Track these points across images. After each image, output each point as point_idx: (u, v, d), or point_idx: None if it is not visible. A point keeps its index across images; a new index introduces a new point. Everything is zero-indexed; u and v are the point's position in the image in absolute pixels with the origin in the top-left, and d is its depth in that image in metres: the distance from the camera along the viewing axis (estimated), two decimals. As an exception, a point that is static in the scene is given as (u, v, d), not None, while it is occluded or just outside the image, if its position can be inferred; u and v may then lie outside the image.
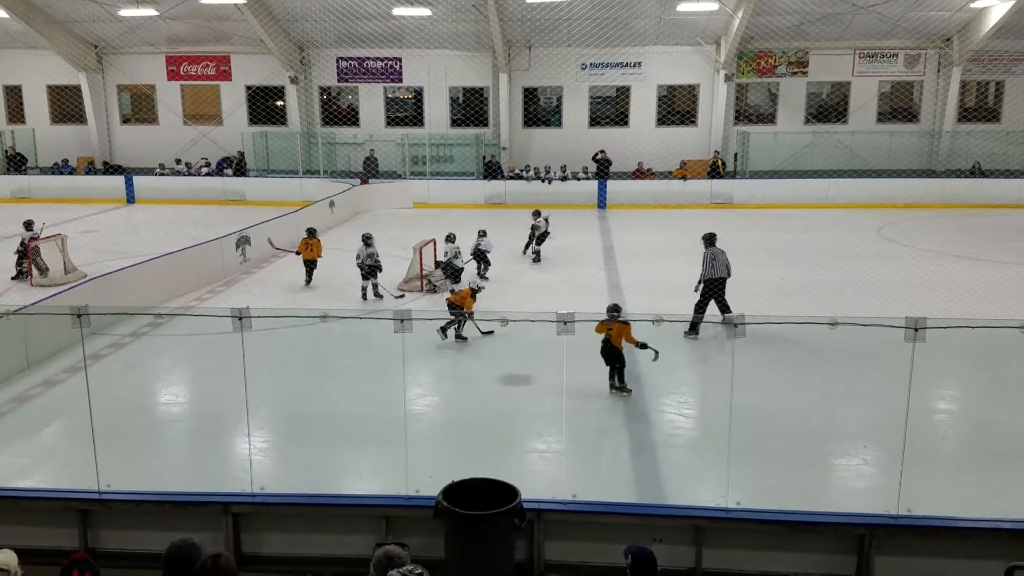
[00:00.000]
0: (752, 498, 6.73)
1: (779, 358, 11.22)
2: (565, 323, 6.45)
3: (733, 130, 28.38)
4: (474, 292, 12.51)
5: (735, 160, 28.01)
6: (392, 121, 29.66)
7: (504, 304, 14.37)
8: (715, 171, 26.92)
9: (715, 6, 24.30)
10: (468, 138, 28.93)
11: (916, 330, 6.02)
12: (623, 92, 28.84)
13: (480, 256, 16.56)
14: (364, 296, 15.04)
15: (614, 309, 10.46)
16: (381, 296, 14.99)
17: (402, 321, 6.25)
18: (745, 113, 29.08)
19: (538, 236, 18.38)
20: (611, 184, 26.19)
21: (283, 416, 9.81)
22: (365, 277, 15.08)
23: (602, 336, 9.99)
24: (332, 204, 23.23)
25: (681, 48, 27.59)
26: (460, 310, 12.08)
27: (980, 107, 28.49)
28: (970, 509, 6.65)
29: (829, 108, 28.69)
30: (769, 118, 28.83)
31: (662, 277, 16.40)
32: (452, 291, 13.80)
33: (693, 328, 12.43)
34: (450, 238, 15.64)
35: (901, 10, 24.51)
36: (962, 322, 8.61)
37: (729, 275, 12.87)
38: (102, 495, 6.67)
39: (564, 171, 27.15)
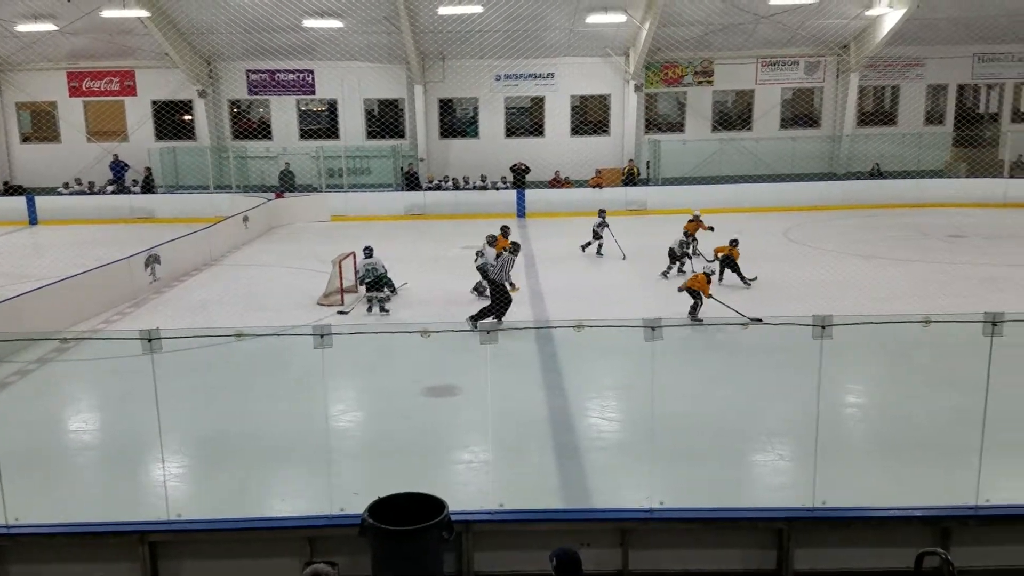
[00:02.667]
0: (676, 498, 6.85)
1: (696, 359, 11.49)
2: (488, 332, 6.48)
3: (644, 139, 28.97)
4: (708, 276, 13.88)
5: (647, 168, 28.61)
6: (306, 134, 29.24)
7: (426, 315, 14.30)
8: (630, 179, 27.44)
9: (623, 18, 24.82)
10: (385, 150, 28.73)
11: (823, 328, 6.26)
12: (537, 103, 29.15)
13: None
14: (369, 309, 14.85)
15: (735, 241, 15.63)
16: (387, 311, 14.79)
17: (322, 336, 6.16)
18: (655, 122, 29.74)
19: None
20: (529, 193, 26.39)
21: (199, 439, 9.53)
22: (369, 289, 14.93)
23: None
24: (246, 219, 22.73)
25: (592, 59, 28.05)
26: (698, 293, 13.46)
27: (877, 111, 29.86)
28: (882, 499, 6.92)
29: (734, 116, 29.61)
30: (678, 126, 29.56)
31: (582, 283, 16.64)
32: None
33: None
34: (367, 251, 15.44)
35: (800, 19, 25.50)
36: (867, 319, 9.01)
37: (485, 275, 14.36)
38: (10, 529, 6.36)
39: (484, 181, 27.28)
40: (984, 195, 25.70)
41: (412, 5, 24.36)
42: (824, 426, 6.70)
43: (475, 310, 13.74)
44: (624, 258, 18.80)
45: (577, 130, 29.18)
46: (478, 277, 15.45)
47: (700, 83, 28.84)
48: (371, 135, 29.16)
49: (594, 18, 24.59)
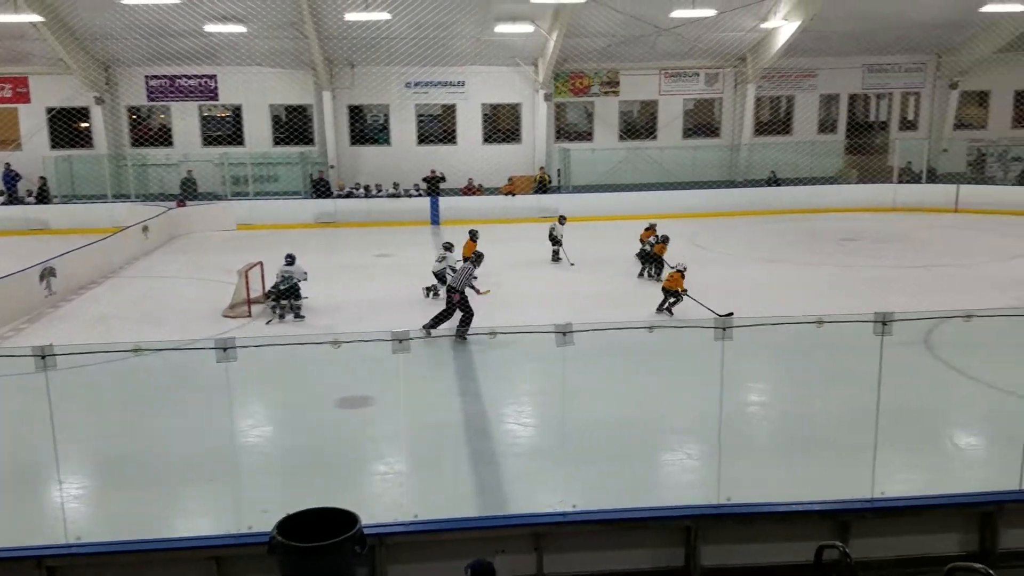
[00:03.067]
0: (589, 500, 6.94)
1: (606, 363, 11.61)
2: (400, 341, 6.43)
3: (555, 147, 29.34)
4: (683, 273, 14.77)
5: (558, 175, 28.99)
6: (209, 140, 28.44)
7: (337, 324, 14.11)
8: (542, 186, 27.74)
9: (531, 28, 25.07)
10: (293, 156, 28.21)
11: (724, 329, 6.48)
12: (449, 110, 29.17)
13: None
14: (281, 317, 14.84)
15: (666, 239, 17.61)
16: (302, 317, 14.81)
17: (225, 350, 6.01)
18: (565, 130, 30.16)
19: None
20: (443, 201, 26.38)
21: (99, 459, 9.16)
22: (281, 297, 14.90)
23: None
24: (146, 229, 21.96)
25: (501, 68, 28.26)
26: (676, 292, 14.44)
27: (773, 121, 31.00)
28: (784, 494, 7.17)
29: (640, 125, 30.29)
30: (587, 135, 30.04)
31: (497, 290, 16.68)
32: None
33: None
34: (289, 259, 15.22)
35: (699, 31, 26.23)
36: (764, 320, 9.29)
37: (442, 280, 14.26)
38: None
39: (396, 188, 27.13)
40: (875, 200, 27.02)
41: (318, 11, 24.05)
42: (728, 424, 6.92)
43: (378, 316, 13.64)
44: (572, 264, 18.92)
45: (489, 138, 29.33)
46: (393, 281, 15.43)
47: (607, 93, 29.39)
48: (278, 141, 28.60)
49: (502, 28, 24.76)
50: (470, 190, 27.78)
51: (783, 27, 25.89)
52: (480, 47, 26.79)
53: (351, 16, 22.86)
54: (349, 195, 26.93)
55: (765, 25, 26.03)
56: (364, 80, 27.82)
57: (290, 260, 15.14)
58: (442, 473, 8.80)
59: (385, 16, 22.82)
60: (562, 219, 20.02)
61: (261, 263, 15.81)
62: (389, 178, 27.35)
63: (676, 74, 29.37)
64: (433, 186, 26.97)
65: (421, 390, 9.85)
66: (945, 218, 25.61)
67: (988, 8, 23.06)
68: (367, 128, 29.50)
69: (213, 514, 7.55)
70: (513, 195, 27.01)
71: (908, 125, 31.15)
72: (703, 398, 9.59)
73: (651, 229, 18.68)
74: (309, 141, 28.60)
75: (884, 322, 6.75)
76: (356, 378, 11.24)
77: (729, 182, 29.19)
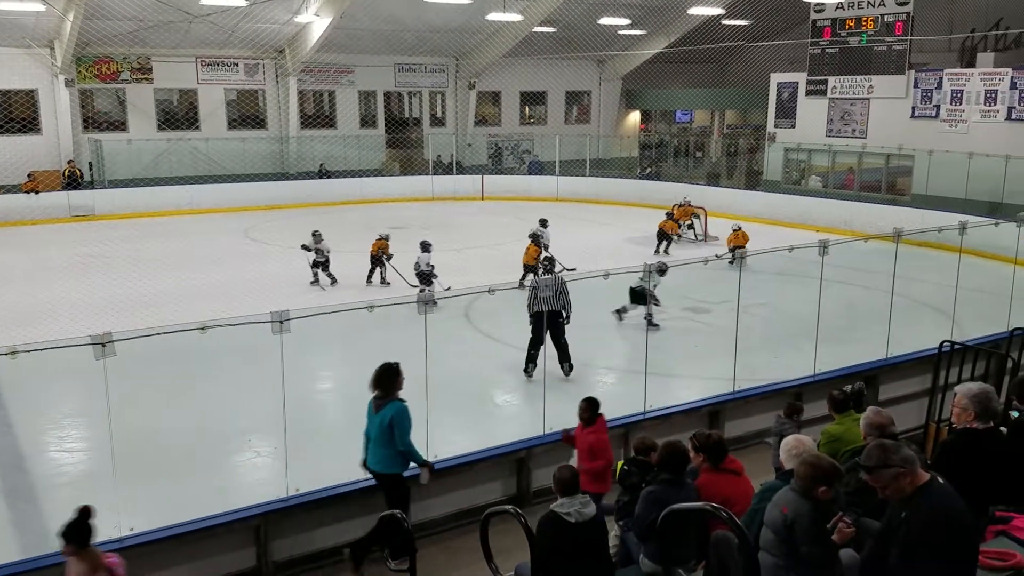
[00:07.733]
0: (153, 519, 6.57)
1: (155, 372, 10.91)
2: None
3: (84, 138, 26.54)
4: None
5: (91, 169, 26.27)
6: None
7: None
8: (72, 182, 24.91)
9: (41, 7, 22.11)
10: None
11: (281, 323, 6.61)
12: (-61, 95, 24.64)
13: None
14: None
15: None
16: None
17: None
18: (95, 120, 27.45)
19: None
20: (-61, 202, 22.29)
21: None
22: None
23: None
24: None
25: (10, 50, 24.74)
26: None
27: (318, 114, 31.67)
28: (349, 474, 7.50)
29: (180, 115, 28.80)
30: (121, 125, 27.71)
31: (21, 303, 14.66)
32: None
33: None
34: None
35: (234, 21, 25.64)
36: (319, 310, 9.56)
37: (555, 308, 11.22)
38: None
39: None
40: (416, 191, 29.23)
41: None
42: (296, 416, 7.05)
43: None
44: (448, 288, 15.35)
45: (2, 128, 25.35)
46: None
47: (139, 80, 27.35)
48: None
49: (7, 5, 21.41)
50: (-23, 189, 23.87)
51: (316, 22, 26.34)
52: (-20, 25, 23.03)
53: None
54: None
55: (299, 19, 26.25)
56: None
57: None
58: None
59: None
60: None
61: None
62: None
63: (214, 63, 28.42)
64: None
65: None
66: (474, 205, 28.66)
67: (492, 16, 26.17)
68: None
69: None
70: (36, 192, 23.90)
71: (437, 121, 34.06)
72: (268, 394, 9.63)
73: (535, 248, 17.01)
74: None
75: (427, 302, 7.48)
76: None
77: (281, 174, 29.17)
